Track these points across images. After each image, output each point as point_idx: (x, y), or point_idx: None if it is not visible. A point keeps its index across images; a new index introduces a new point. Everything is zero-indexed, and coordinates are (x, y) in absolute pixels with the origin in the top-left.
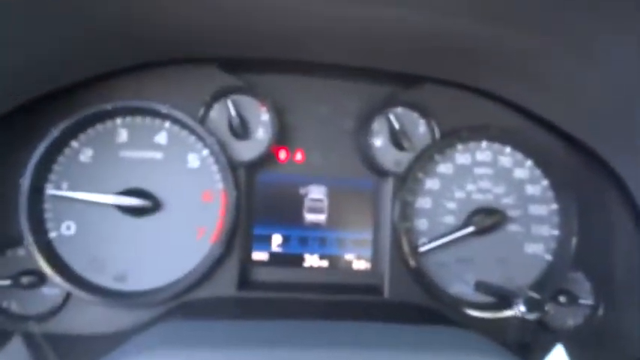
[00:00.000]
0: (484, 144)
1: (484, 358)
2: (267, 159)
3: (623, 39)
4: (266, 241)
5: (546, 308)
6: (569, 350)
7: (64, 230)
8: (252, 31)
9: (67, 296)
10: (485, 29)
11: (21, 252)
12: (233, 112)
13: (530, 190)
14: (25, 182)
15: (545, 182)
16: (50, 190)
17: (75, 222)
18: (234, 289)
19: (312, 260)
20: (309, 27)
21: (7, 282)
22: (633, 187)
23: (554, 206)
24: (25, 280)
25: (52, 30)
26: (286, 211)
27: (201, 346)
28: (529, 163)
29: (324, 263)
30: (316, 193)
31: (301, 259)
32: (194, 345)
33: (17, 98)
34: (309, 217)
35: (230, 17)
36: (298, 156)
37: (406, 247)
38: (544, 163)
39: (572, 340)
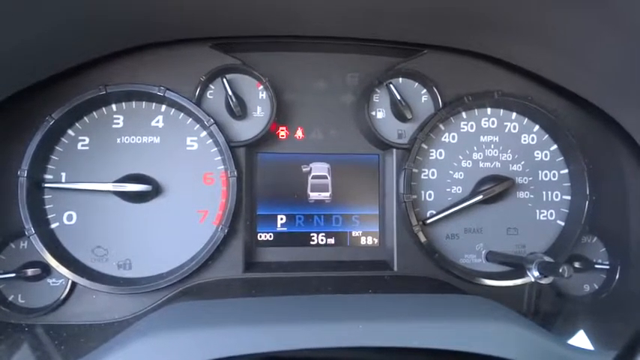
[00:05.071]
0: (489, 110)
1: (497, 322)
2: (267, 138)
3: None
4: (271, 220)
5: (561, 271)
6: (587, 316)
7: (65, 220)
8: (246, 8)
9: (72, 286)
10: None
11: (24, 244)
12: (230, 92)
13: (539, 155)
14: (23, 174)
15: (553, 147)
16: (49, 183)
17: (76, 211)
18: (241, 270)
19: (318, 238)
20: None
21: (11, 274)
22: None
23: (565, 171)
24: (29, 271)
25: (48, 13)
26: (289, 189)
27: (207, 325)
28: (536, 127)
29: (331, 241)
30: (319, 170)
31: (307, 238)
32: (199, 324)
33: (12, 86)
34: (313, 194)
35: None
36: (298, 133)
37: (414, 220)
38: (552, 128)
39: (589, 306)
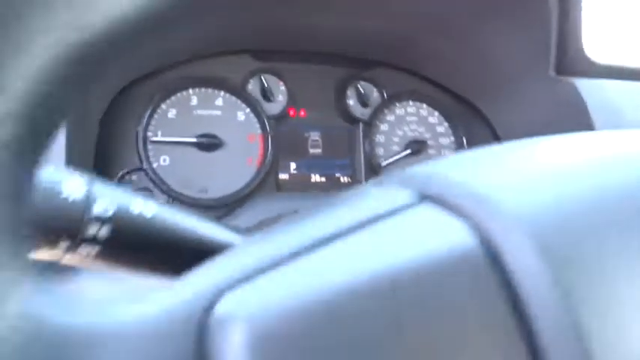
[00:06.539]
0: (411, 102)
1: None
2: (284, 115)
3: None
4: (287, 167)
5: None
6: None
7: (161, 162)
8: (282, 34)
9: (170, 203)
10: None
11: (134, 177)
12: (265, 84)
13: (439, 129)
14: (141, 130)
15: (445, 124)
16: (152, 137)
17: (169, 156)
18: (275, 191)
19: (314, 178)
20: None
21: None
22: (495, 124)
23: (452, 138)
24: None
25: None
26: (297, 147)
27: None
28: (436, 113)
29: (323, 179)
30: (315, 135)
31: (309, 178)
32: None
33: (136, 72)
34: (311, 150)
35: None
36: (302, 113)
37: (374, 163)
38: (444, 113)
39: None
